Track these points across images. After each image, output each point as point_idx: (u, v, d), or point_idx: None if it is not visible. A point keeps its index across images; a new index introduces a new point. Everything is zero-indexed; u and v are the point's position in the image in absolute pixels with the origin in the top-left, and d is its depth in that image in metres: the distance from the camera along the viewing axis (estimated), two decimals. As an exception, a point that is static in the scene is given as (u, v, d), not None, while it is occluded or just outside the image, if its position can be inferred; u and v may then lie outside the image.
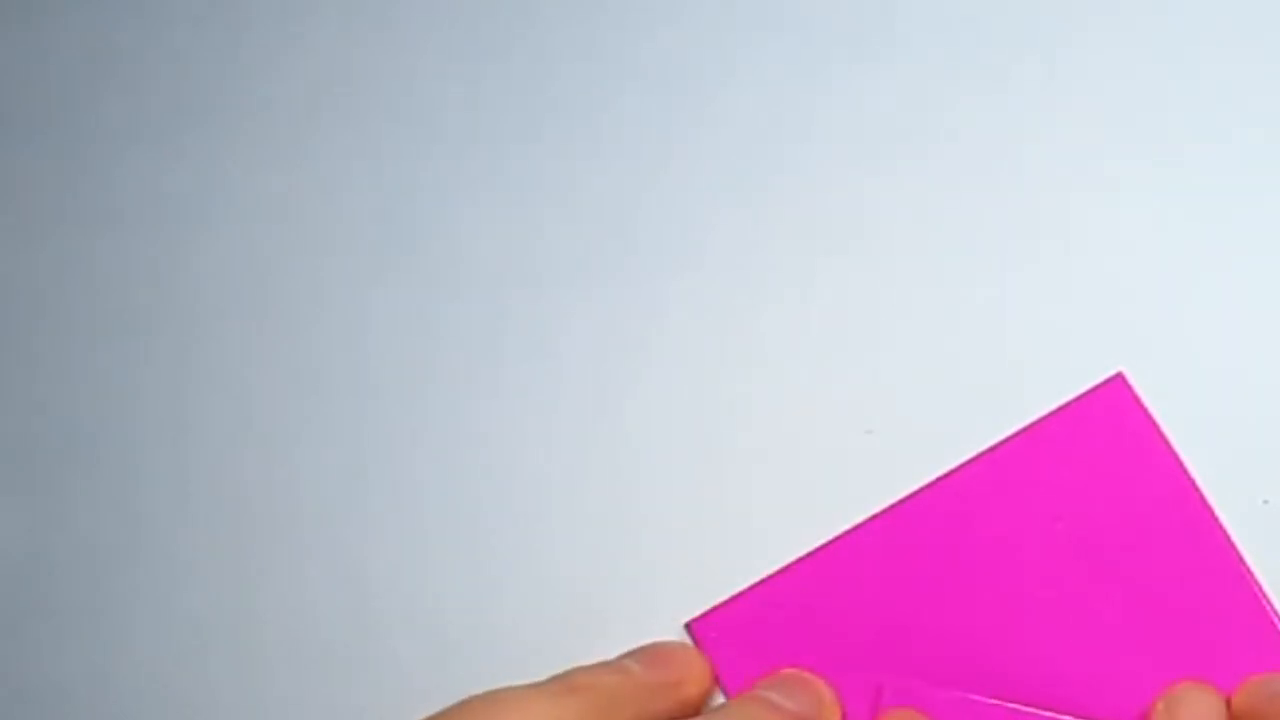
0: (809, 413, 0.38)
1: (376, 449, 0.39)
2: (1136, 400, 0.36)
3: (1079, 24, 0.39)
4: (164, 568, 0.38)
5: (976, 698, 0.34)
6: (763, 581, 0.36)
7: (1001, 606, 0.35)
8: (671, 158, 0.40)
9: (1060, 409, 0.36)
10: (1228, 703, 0.34)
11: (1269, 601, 0.34)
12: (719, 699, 0.36)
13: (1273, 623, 0.34)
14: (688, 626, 0.36)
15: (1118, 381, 0.36)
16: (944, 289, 0.38)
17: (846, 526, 0.36)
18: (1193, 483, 0.35)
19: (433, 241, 0.40)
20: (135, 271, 0.41)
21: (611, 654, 0.36)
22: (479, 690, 0.32)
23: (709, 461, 0.38)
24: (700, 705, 0.35)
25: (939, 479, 0.36)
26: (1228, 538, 0.35)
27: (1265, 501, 0.36)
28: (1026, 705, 0.34)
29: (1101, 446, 0.36)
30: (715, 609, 0.36)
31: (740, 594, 0.36)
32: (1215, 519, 0.35)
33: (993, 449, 0.36)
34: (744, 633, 0.36)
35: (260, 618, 0.38)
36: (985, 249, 0.38)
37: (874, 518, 0.36)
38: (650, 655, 0.35)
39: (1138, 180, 0.38)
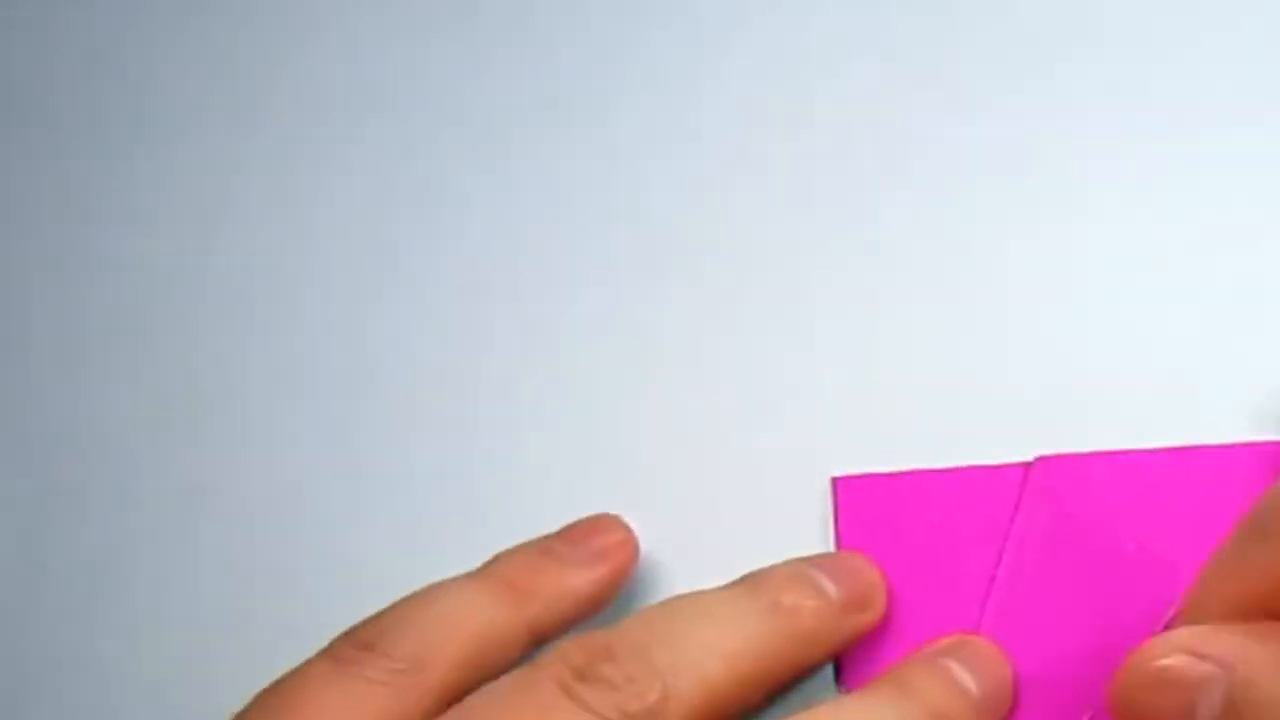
0: (809, 412, 0.38)
1: (378, 448, 0.39)
2: None
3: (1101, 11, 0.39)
4: (164, 568, 0.38)
5: None
6: (929, 472, 0.35)
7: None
8: (673, 157, 0.40)
9: None
10: None
11: None
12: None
13: None
14: (833, 481, 0.36)
15: None
16: (947, 289, 0.38)
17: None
18: None
19: (434, 241, 0.40)
20: (135, 270, 0.41)
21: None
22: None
23: (707, 461, 0.38)
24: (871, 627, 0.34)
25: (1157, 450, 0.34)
26: None
27: None
28: None
29: None
30: (868, 476, 0.36)
31: (900, 473, 0.35)
32: None
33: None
34: (885, 510, 0.35)
35: (260, 618, 0.38)
36: (989, 249, 0.38)
37: (1075, 457, 0.35)
38: (837, 567, 0.34)
39: (1151, 179, 0.38)
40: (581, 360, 0.39)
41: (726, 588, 0.34)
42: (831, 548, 0.35)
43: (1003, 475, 0.35)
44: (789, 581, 0.33)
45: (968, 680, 0.33)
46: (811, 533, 0.36)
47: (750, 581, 0.34)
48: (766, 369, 0.38)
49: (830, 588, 0.34)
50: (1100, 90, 0.39)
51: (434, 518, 0.38)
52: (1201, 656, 0.28)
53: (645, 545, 0.36)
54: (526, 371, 0.39)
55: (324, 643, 0.37)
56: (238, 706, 0.33)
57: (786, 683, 0.33)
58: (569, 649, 0.31)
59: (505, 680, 0.31)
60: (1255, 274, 0.37)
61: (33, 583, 0.39)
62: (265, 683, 0.33)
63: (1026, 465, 0.35)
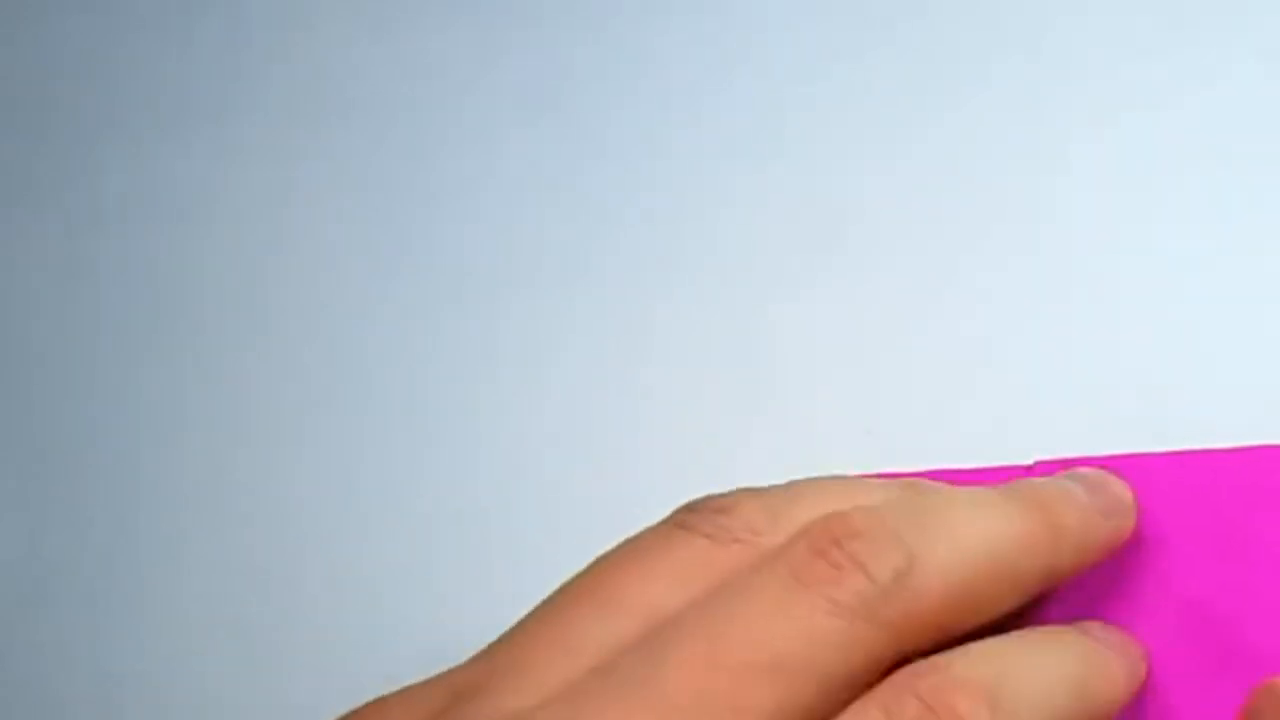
0: (809, 413, 0.38)
1: (376, 448, 0.39)
2: None
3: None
4: (164, 568, 0.38)
5: None
6: (929, 474, 0.34)
7: None
8: (672, 156, 0.40)
9: None
10: None
11: None
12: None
13: None
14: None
15: None
16: (947, 288, 0.38)
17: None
18: None
19: (433, 241, 0.40)
20: (135, 271, 0.41)
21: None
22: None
23: (709, 461, 0.38)
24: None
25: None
26: None
27: None
28: None
29: None
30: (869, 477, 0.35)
31: (900, 475, 0.34)
32: None
33: None
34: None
35: (260, 618, 0.38)
36: (989, 248, 0.38)
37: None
38: (1089, 478, 0.32)
39: (1154, 180, 0.38)
40: (581, 360, 0.39)
41: (978, 489, 0.31)
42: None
43: (1003, 477, 0.35)
44: (1046, 484, 0.31)
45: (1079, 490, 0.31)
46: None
47: (1004, 487, 0.31)
48: (767, 370, 0.38)
49: (1084, 494, 0.31)
50: (1100, 90, 0.39)
51: (435, 521, 0.38)
52: None
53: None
54: (525, 371, 0.39)
55: (324, 644, 0.37)
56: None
57: (1031, 594, 0.30)
58: (811, 528, 0.28)
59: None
60: (1256, 278, 0.37)
61: (39, 583, 0.39)
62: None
63: (1026, 467, 0.35)
